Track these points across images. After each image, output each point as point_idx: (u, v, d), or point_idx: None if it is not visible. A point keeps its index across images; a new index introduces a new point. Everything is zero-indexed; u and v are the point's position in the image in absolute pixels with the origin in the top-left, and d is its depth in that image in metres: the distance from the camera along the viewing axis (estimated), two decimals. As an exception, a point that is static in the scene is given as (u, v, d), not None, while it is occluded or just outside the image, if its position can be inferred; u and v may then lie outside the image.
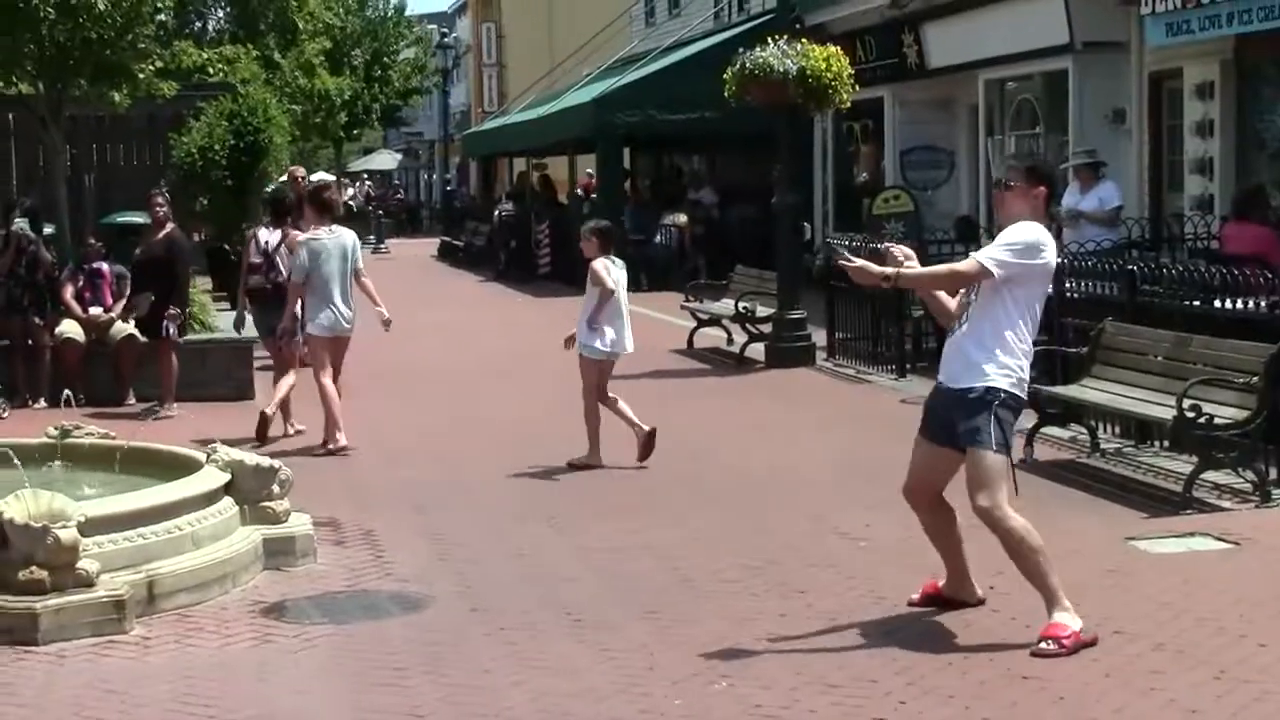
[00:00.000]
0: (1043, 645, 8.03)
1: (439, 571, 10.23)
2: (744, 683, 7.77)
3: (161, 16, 19.89)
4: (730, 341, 21.37)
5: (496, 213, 41.44)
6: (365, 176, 75.00)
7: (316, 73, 44.21)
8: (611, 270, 13.90)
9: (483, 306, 31.23)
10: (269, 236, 16.13)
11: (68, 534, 8.89)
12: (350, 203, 51.85)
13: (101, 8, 18.39)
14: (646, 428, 13.56)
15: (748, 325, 20.64)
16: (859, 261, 8.77)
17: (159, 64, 20.10)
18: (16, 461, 10.72)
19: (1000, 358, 8.26)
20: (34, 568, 8.82)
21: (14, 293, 17.62)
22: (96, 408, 16.88)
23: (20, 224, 18.05)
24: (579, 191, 40.72)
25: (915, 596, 8.98)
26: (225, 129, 25.40)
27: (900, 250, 8.65)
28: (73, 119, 22.51)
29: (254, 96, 26.43)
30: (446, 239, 48.79)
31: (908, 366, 18.10)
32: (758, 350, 20.44)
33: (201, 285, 22.60)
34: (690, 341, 21.94)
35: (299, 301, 15.25)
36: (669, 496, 12.46)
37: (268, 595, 9.73)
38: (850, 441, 14.60)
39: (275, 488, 10.72)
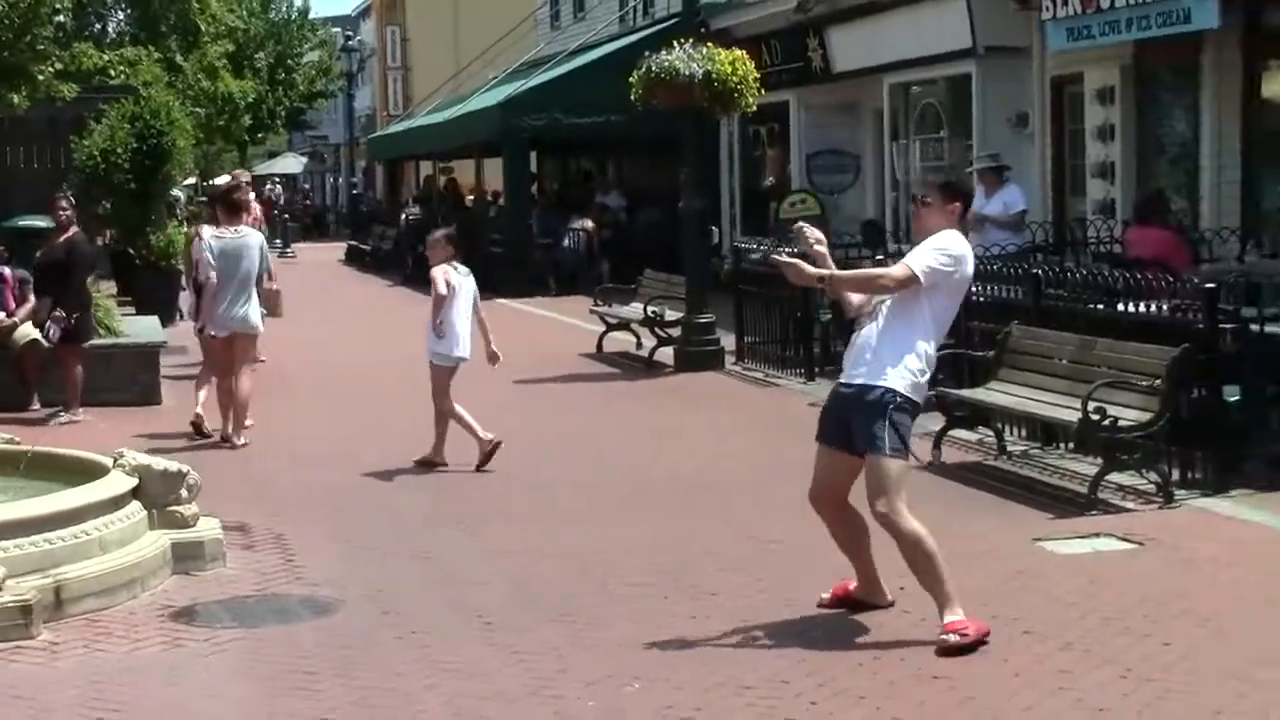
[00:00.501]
0: (946, 638, 8.07)
1: (349, 575, 10.16)
2: (657, 684, 7.77)
3: (60, 18, 19.63)
4: (639, 345, 21.20)
5: (403, 216, 41.29)
6: (272, 180, 74.52)
7: (220, 75, 43.93)
8: (452, 276, 13.98)
9: (390, 310, 31.05)
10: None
11: (-29, 540, 8.84)
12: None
13: (-1, 11, 18.26)
14: (489, 438, 13.63)
15: (656, 329, 20.57)
16: (793, 260, 8.82)
17: (58, 66, 19.90)
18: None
19: (906, 360, 8.32)
20: (-61, 573, 8.77)
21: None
22: (1, 412, 16.75)
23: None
24: (487, 195, 40.64)
25: (826, 597, 8.98)
26: (127, 132, 25.31)
27: (812, 233, 8.72)
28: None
29: (156, 99, 26.31)
30: (353, 243, 48.48)
31: (816, 370, 18.09)
32: (667, 354, 20.38)
33: (106, 289, 22.46)
34: (599, 346, 21.82)
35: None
36: (579, 500, 12.43)
37: (177, 600, 9.65)
38: (760, 445, 14.62)
39: (184, 492, 10.65)
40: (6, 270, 17.94)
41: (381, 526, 11.71)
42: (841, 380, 8.68)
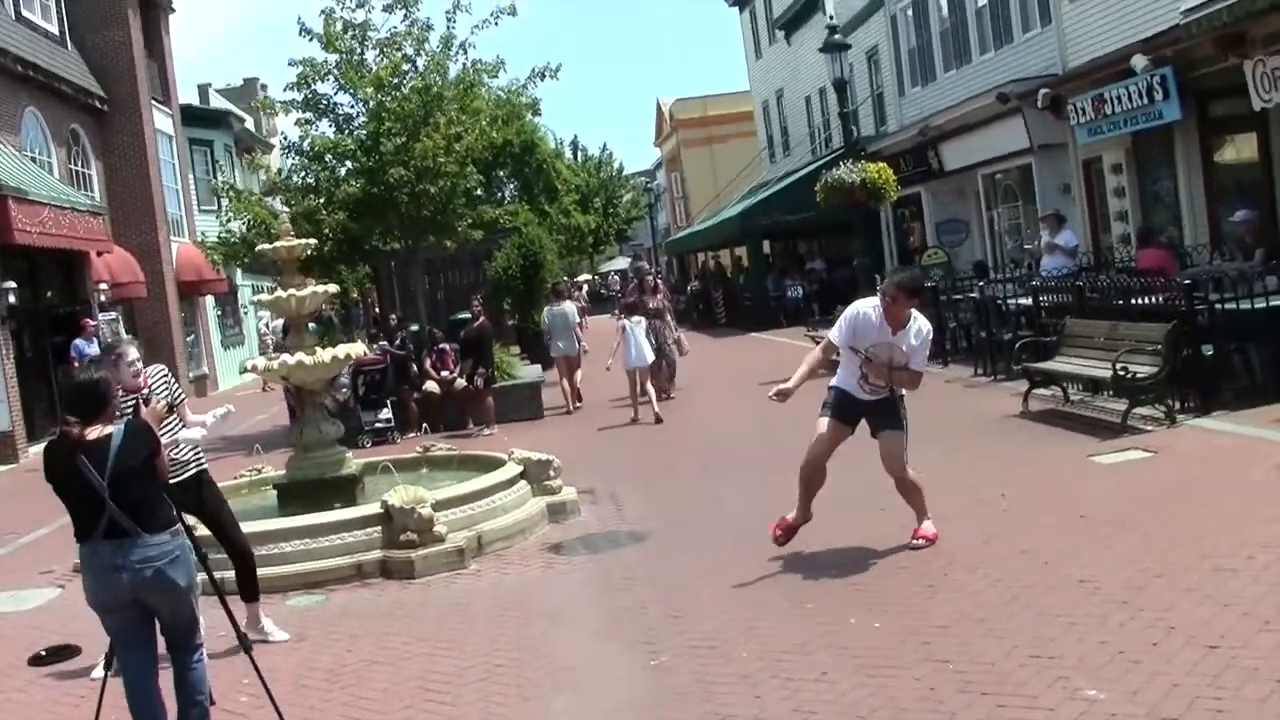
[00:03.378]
0: (915, 542, 7.66)
1: (657, 516, 10.09)
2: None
3: (470, 190, 20.19)
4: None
5: (689, 288, 41.52)
6: (611, 273, 75.62)
7: (571, 214, 44.81)
8: (628, 324, 16.95)
9: (701, 346, 30.95)
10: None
11: (426, 511, 9.08)
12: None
13: (433, 192, 18.76)
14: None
15: None
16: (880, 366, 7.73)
17: (469, 220, 20.36)
18: (394, 471, 11.01)
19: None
20: (408, 533, 9.02)
21: (401, 370, 18.13)
22: (449, 432, 17.24)
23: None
24: (738, 270, 40.61)
25: (780, 534, 7.96)
26: (517, 255, 25.93)
27: (881, 358, 7.70)
28: (428, 260, 23.16)
29: (532, 233, 26.91)
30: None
31: (948, 359, 17.70)
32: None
33: (513, 350, 23.10)
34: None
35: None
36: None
37: (550, 539, 9.76)
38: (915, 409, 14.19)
39: (551, 472, 10.82)
40: (447, 346, 18.53)
41: (678, 485, 11.57)
42: (860, 398, 7.80)
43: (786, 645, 6.05)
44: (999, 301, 16.59)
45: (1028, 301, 15.53)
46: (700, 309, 39.00)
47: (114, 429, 5.19)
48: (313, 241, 11.62)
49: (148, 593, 5.22)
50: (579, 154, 54.61)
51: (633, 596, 7.64)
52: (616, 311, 21.47)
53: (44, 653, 7.56)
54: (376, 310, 27.44)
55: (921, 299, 7.92)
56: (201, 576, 5.77)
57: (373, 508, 9.36)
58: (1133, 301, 12.33)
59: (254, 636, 6.87)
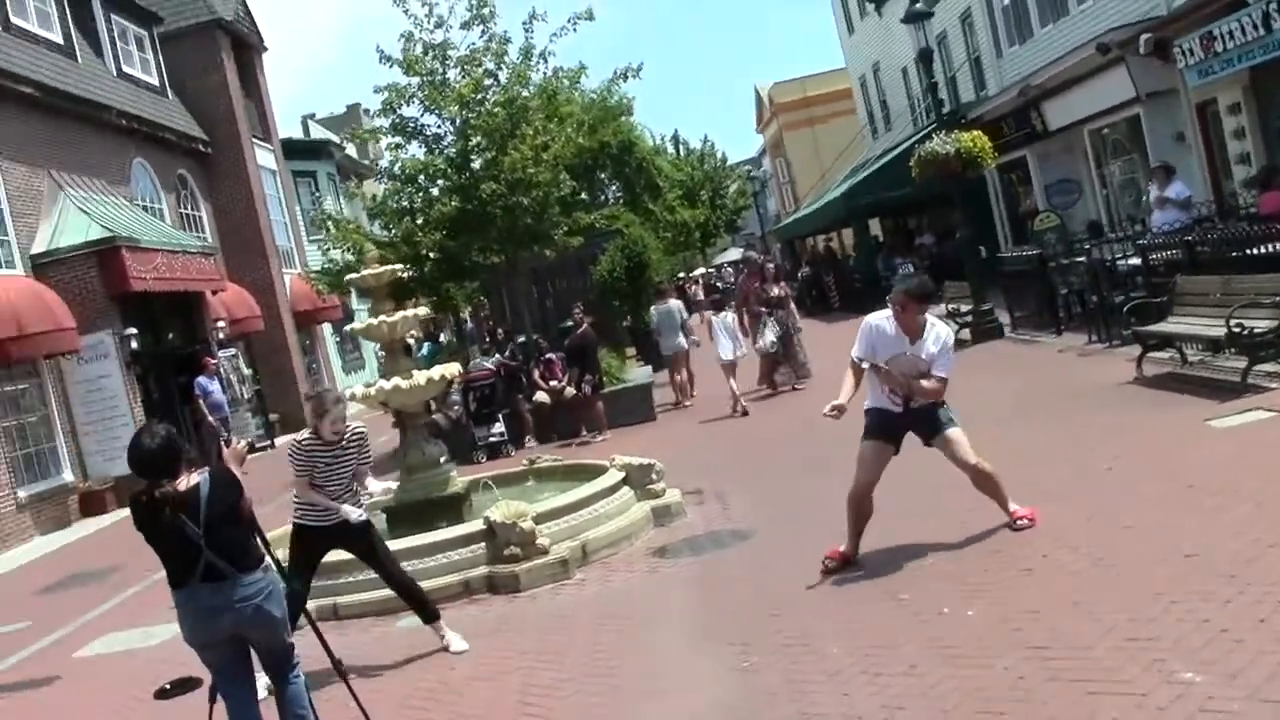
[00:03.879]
0: (1018, 523, 7.47)
1: (762, 514, 10.02)
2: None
3: (564, 198, 20.41)
4: (959, 331, 20.27)
5: (799, 274, 41.20)
6: (724, 265, 75.48)
7: (676, 210, 44.84)
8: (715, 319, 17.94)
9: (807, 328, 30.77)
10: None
11: (527, 524, 9.20)
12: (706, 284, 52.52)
13: (526, 203, 18.92)
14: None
15: (957, 319, 19.89)
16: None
17: (566, 228, 20.51)
18: (494, 487, 11.16)
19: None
20: (512, 547, 9.15)
21: (512, 382, 18.37)
22: (562, 440, 17.42)
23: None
24: (847, 251, 40.23)
25: (832, 563, 7.67)
26: (621, 257, 25.98)
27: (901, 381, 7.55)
28: (533, 269, 23.43)
29: (634, 234, 26.94)
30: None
31: (1061, 328, 17.29)
32: (965, 334, 19.55)
33: (628, 353, 23.42)
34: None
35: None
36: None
37: (655, 543, 9.79)
38: (1025, 381, 14.01)
39: (654, 475, 10.87)
40: (553, 356, 18.69)
41: (781, 486, 11.48)
42: (895, 411, 7.59)
43: (877, 639, 6.00)
44: (1109, 263, 16.13)
45: (1138, 261, 15.09)
46: (813, 294, 38.65)
47: (200, 478, 5.40)
48: (398, 267, 11.83)
49: (249, 629, 5.52)
50: (680, 149, 54.50)
51: (732, 597, 7.64)
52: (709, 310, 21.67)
53: (168, 686, 7.87)
54: (490, 324, 27.78)
55: (931, 305, 7.75)
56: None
57: (476, 525, 9.52)
58: (1249, 252, 11.84)
59: (438, 647, 7.58)
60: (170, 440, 5.45)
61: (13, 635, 11.25)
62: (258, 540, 5.64)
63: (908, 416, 7.58)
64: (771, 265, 20.08)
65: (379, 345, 12.31)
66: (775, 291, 18.48)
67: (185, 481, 5.39)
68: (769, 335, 17.88)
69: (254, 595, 5.45)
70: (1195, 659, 4.90)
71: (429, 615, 7.81)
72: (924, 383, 7.44)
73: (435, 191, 19.62)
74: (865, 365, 7.56)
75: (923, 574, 7.10)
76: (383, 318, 10.86)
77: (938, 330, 7.57)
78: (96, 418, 20.46)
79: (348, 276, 14.02)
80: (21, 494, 18.63)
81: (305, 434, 7.59)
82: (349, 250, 20.06)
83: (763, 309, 18.23)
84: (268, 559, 5.65)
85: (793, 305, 19.01)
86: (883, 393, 7.60)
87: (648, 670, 6.42)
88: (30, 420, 19.81)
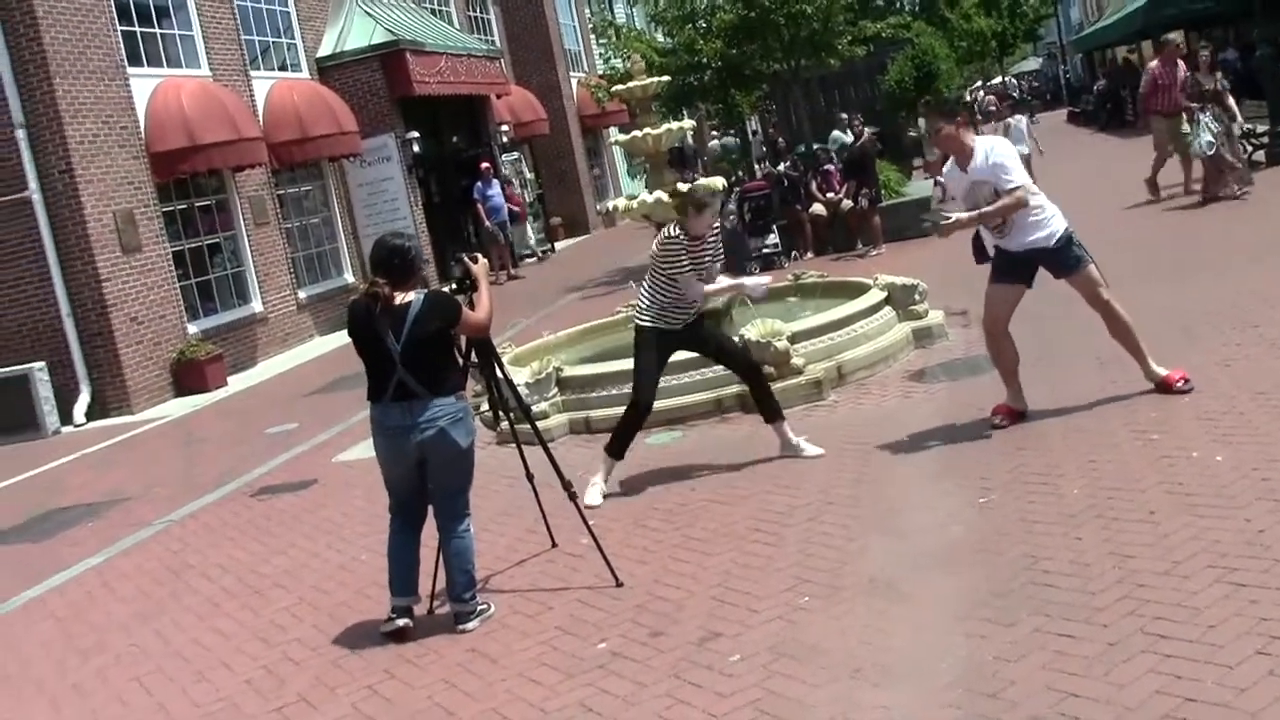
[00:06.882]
0: (1178, 386, 7.17)
1: (1028, 338, 9.49)
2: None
3: (850, 5, 20.02)
4: (1253, 153, 18.24)
5: (1095, 86, 38.92)
6: (1019, 76, 71.90)
7: (972, 19, 43.23)
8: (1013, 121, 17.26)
9: (1090, 145, 29.15)
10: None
11: (782, 344, 9.29)
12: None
13: (809, 11, 18.60)
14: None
15: (1251, 140, 18.10)
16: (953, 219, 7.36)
17: (850, 38, 20.09)
18: (750, 304, 11.23)
19: (1042, 221, 7.25)
20: (765, 366, 9.25)
21: (790, 193, 18.29)
22: (838, 253, 17.37)
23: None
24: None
25: (1002, 420, 7.45)
26: (910, 67, 25.49)
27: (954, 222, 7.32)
28: (821, 78, 23.20)
29: (925, 44, 26.34)
30: (1071, 108, 46.15)
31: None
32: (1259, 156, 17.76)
33: (915, 164, 23.34)
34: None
35: None
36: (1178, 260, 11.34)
37: (913, 366, 9.73)
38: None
39: (917, 296, 10.74)
40: (831, 166, 18.46)
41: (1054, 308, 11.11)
42: (1011, 249, 7.30)
43: (1119, 481, 5.83)
44: None
45: None
46: (1109, 109, 36.47)
47: (414, 297, 5.53)
48: (664, 79, 11.87)
49: (431, 451, 5.54)
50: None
51: (980, 427, 7.48)
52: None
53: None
54: (774, 132, 27.58)
55: (956, 116, 7.58)
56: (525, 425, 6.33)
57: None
58: None
59: (787, 454, 7.62)
60: (405, 249, 5.56)
61: (281, 436, 12.13)
62: (461, 369, 5.74)
63: (1032, 252, 7.32)
64: (1206, 53, 17.20)
65: (642, 158, 12.48)
66: (1208, 85, 15.94)
67: (401, 297, 5.50)
68: (1204, 135, 15.34)
69: (440, 417, 5.48)
70: None
71: (771, 413, 7.75)
72: (994, 211, 7.19)
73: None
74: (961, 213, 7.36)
75: (1177, 415, 6.80)
76: (647, 129, 10.99)
77: (986, 145, 7.34)
78: (378, 220, 21.52)
79: (614, 87, 14.18)
80: (302, 294, 19.83)
81: (674, 229, 7.49)
82: (626, 59, 20.22)
83: (1194, 104, 15.87)
84: (462, 390, 5.66)
85: (1230, 100, 16.28)
86: (992, 232, 7.42)
87: (883, 500, 6.46)
88: (313, 222, 21.09)
